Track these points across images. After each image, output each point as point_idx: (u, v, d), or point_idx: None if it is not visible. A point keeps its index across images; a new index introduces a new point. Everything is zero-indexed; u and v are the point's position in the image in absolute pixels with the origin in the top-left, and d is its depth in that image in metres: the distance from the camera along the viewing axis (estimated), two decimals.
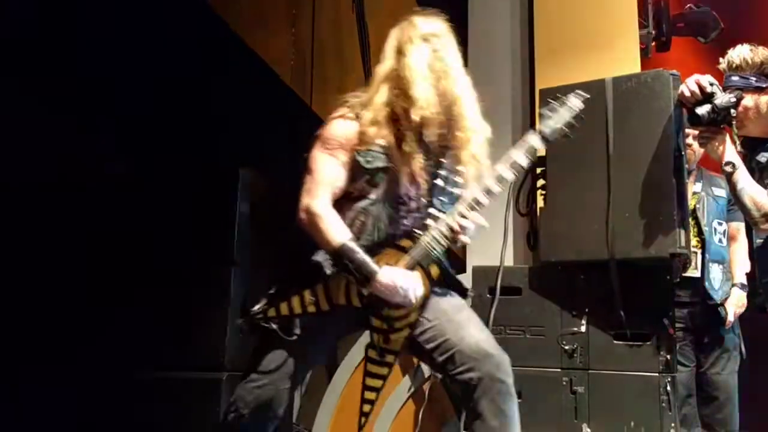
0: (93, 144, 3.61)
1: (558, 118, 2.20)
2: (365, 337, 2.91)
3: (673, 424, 2.53)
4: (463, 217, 2.10)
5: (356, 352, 3.53)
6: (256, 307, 2.13)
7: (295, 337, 2.08)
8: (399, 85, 2.13)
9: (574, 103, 2.22)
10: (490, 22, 3.93)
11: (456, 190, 2.17)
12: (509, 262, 3.25)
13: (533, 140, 2.17)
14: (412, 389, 3.49)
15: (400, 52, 2.16)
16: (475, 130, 2.18)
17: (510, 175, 2.13)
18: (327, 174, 2.13)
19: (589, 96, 2.25)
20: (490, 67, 3.85)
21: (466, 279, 3.19)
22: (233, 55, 4.65)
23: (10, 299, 3.30)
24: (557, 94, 2.25)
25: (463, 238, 2.13)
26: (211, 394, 3.16)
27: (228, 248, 3.40)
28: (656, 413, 2.53)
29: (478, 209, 2.11)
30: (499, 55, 3.86)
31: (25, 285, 3.36)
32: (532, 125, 3.83)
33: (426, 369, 3.42)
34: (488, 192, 2.11)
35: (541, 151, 2.90)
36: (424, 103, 2.09)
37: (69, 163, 3.51)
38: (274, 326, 2.09)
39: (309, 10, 4.74)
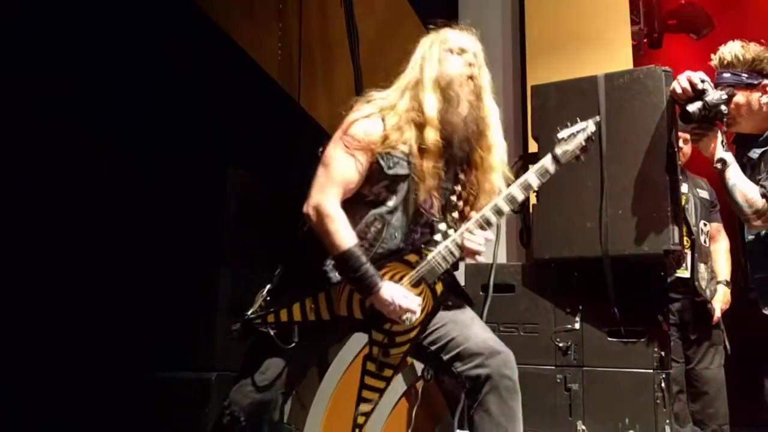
0: (81, 144, 3.57)
1: (573, 142, 2.20)
2: (355, 340, 2.91)
3: (667, 421, 2.54)
4: (471, 234, 2.09)
5: (347, 352, 3.51)
6: (251, 312, 2.10)
7: (293, 345, 2.06)
8: (418, 95, 2.11)
9: (590, 126, 2.23)
10: (480, 18, 3.92)
11: (467, 208, 2.18)
12: (502, 259, 3.25)
13: (548, 165, 2.18)
14: (405, 388, 3.48)
15: (423, 63, 2.15)
16: (495, 149, 2.18)
17: (521, 196, 2.14)
18: (343, 173, 2.08)
19: (599, 119, 2.30)
20: None
21: (458, 276, 3.20)
22: (219, 50, 4.59)
23: (7, 298, 3.25)
24: (570, 120, 2.25)
25: (478, 257, 2.13)
26: (201, 394, 3.13)
27: (217, 248, 3.37)
28: (650, 410, 2.54)
29: (487, 228, 2.11)
30: (490, 51, 3.80)
31: (22, 284, 3.31)
32: (524, 121, 3.85)
33: (419, 367, 3.40)
34: (498, 212, 2.12)
35: (533, 146, 2.93)
36: (432, 117, 2.08)
37: (63, 164, 3.47)
38: (272, 333, 2.06)
39: (296, 4, 4.69)
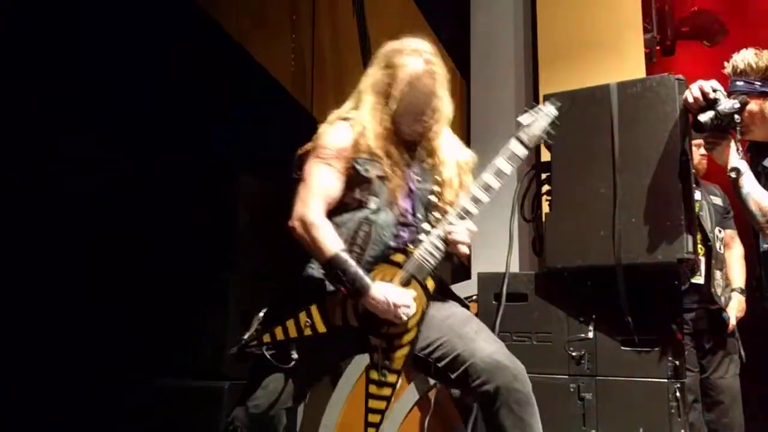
0: (92, 145, 3.59)
1: (536, 125, 2.25)
2: None
3: (682, 431, 2.51)
4: (453, 226, 2.11)
5: (360, 360, 3.50)
6: (247, 335, 2.09)
7: (292, 363, 2.05)
8: (384, 96, 2.17)
9: (550, 110, 2.29)
10: (492, 27, 3.94)
11: (448, 207, 2.20)
12: (515, 268, 3.24)
13: (515, 148, 2.21)
14: (418, 397, 3.47)
15: (387, 66, 2.21)
16: (454, 146, 2.27)
17: (496, 183, 2.16)
18: (321, 183, 2.13)
19: (560, 104, 2.37)
20: (493, 73, 3.85)
21: (471, 286, 3.20)
22: (233, 61, 4.63)
23: (9, 300, 3.27)
24: (533, 104, 2.35)
25: (462, 248, 2.14)
26: (213, 402, 3.14)
27: (227, 255, 3.38)
28: (665, 419, 2.51)
29: (467, 218, 2.13)
30: (503, 60, 3.87)
31: (23, 285, 3.33)
32: None
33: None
34: (476, 201, 2.14)
35: (546, 155, 2.92)
36: (404, 114, 2.15)
37: (68, 164, 3.49)
38: (269, 354, 2.06)
39: (309, 15, 4.72)
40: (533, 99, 3.88)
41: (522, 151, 2.20)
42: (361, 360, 3.27)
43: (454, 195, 2.21)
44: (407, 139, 2.21)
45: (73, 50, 3.50)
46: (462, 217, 2.12)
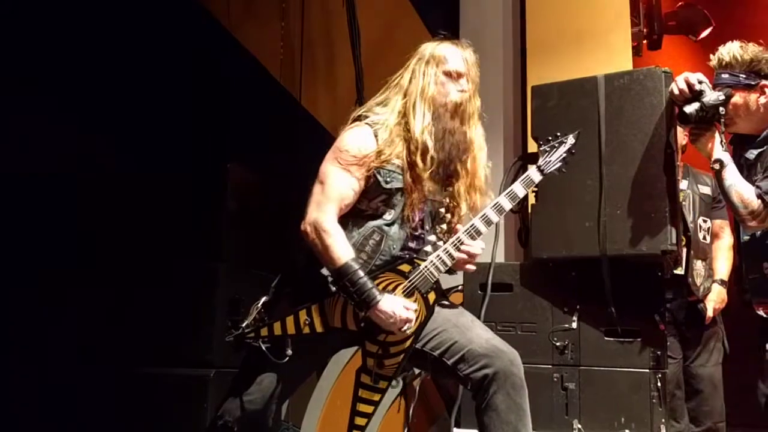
0: (83, 140, 3.58)
1: (555, 154, 2.29)
2: None
3: (663, 420, 2.54)
4: (462, 244, 2.13)
5: (344, 352, 3.51)
6: (245, 324, 2.10)
7: (286, 359, 2.06)
8: (408, 112, 2.16)
9: (570, 140, 2.33)
10: (481, 18, 3.95)
11: (454, 220, 2.22)
12: (500, 258, 3.26)
13: (533, 175, 2.26)
14: (403, 385, 3.49)
15: (412, 78, 2.20)
16: (480, 170, 2.25)
17: (508, 205, 2.19)
18: (338, 189, 2.11)
19: (580, 130, 2.41)
20: (481, 64, 3.84)
21: (457, 275, 3.21)
22: (221, 48, 4.61)
23: (5, 295, 3.27)
24: (555, 134, 2.37)
25: (470, 266, 2.19)
26: (199, 390, 3.14)
27: (216, 244, 3.37)
28: (647, 409, 2.54)
29: (477, 237, 2.15)
30: (491, 51, 3.86)
31: (21, 282, 3.33)
32: (523, 122, 3.86)
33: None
34: (488, 222, 2.16)
35: (533, 146, 2.93)
36: (420, 133, 2.13)
37: (60, 159, 3.48)
38: (264, 348, 2.05)
39: (298, 3, 4.71)
40: (521, 91, 3.89)
41: (538, 178, 2.26)
42: (345, 351, 3.29)
43: (463, 210, 2.23)
44: (431, 149, 2.18)
45: (71, 46, 3.48)
46: (473, 237, 2.14)
